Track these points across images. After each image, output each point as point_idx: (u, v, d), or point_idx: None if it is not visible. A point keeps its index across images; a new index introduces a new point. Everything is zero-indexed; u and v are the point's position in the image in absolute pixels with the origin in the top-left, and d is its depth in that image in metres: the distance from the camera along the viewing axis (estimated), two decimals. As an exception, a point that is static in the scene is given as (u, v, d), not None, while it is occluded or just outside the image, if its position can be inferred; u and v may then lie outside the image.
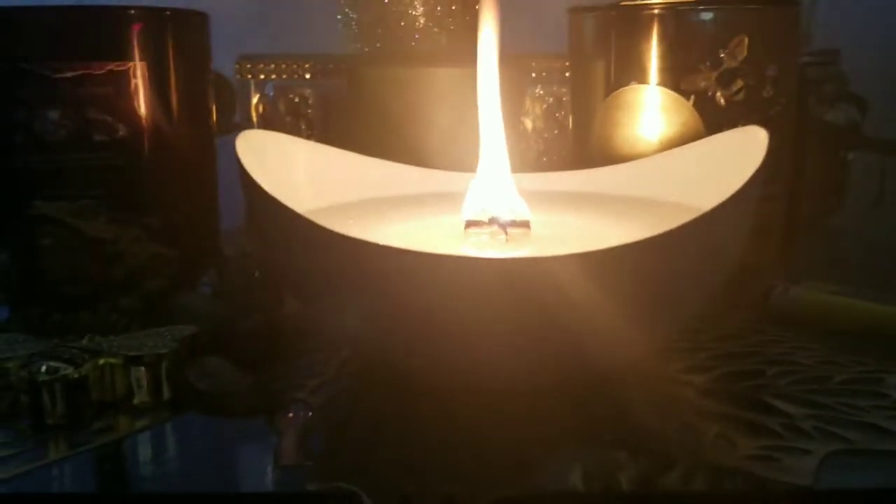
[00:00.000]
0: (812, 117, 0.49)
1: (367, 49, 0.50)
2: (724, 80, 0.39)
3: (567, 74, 0.48)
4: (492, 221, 0.31)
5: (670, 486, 0.24)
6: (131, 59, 0.35)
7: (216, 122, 0.42)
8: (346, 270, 0.26)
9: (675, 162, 0.36)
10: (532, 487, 0.24)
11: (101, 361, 0.27)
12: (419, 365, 0.28)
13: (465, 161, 0.34)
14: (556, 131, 0.52)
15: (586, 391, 0.28)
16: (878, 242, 0.51)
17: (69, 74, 0.34)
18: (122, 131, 0.35)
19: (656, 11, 0.39)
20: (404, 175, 0.37)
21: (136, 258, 0.34)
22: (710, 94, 0.39)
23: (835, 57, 0.53)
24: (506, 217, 0.31)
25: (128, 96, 0.35)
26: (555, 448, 0.26)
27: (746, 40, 0.39)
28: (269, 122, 0.49)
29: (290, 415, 0.27)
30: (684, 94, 0.39)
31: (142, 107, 0.36)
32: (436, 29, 0.50)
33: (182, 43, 0.38)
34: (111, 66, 0.35)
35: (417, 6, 0.49)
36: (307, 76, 0.50)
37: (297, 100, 0.50)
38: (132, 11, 0.36)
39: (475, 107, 0.33)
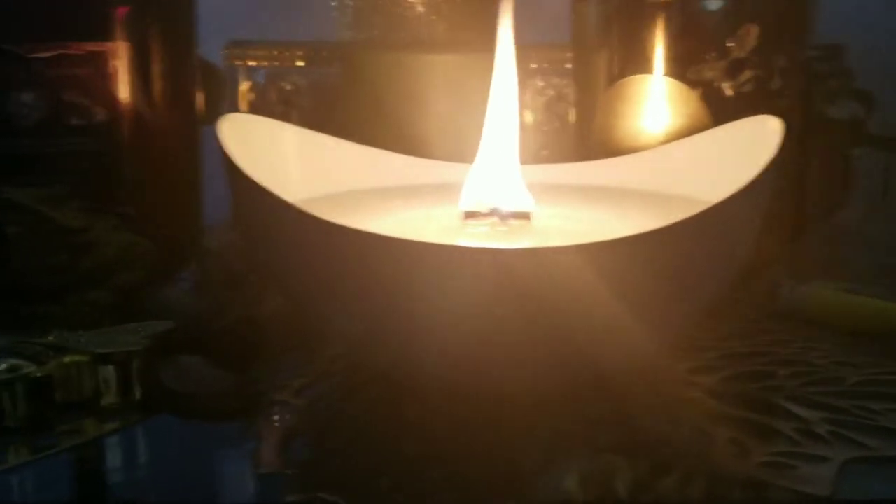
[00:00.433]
0: (816, 112, 0.48)
1: (362, 36, 0.49)
2: (732, 71, 0.38)
3: (568, 66, 0.46)
4: (492, 212, 0.30)
5: (679, 496, 0.23)
6: (111, 39, 0.34)
7: (204, 111, 0.40)
8: (334, 261, 0.25)
9: (682, 153, 0.34)
10: (528, 497, 0.23)
11: (67, 359, 0.26)
12: (410, 363, 0.26)
13: (463, 151, 0.33)
14: (556, 124, 0.50)
15: (589, 392, 0.27)
16: (882, 239, 0.50)
17: (44, 55, 0.33)
18: (99, 115, 0.34)
19: (662, -1, 0.38)
20: (400, 165, 0.36)
21: (108, 248, 0.33)
22: (716, 84, 0.38)
23: (840, 52, 0.52)
24: (506, 208, 0.30)
25: (106, 79, 0.34)
26: (553, 455, 0.25)
27: (755, 30, 0.37)
28: (259, 111, 0.48)
29: (271, 418, 0.26)
30: (690, 84, 0.38)
31: (121, 90, 0.34)
32: (433, 16, 0.48)
33: (166, 24, 0.37)
34: (89, 46, 0.34)
35: (413, -8, 0.48)
36: (299, 63, 0.48)
37: (288, 88, 0.48)
38: (113, -10, 0.34)
39: (474, 95, 0.32)
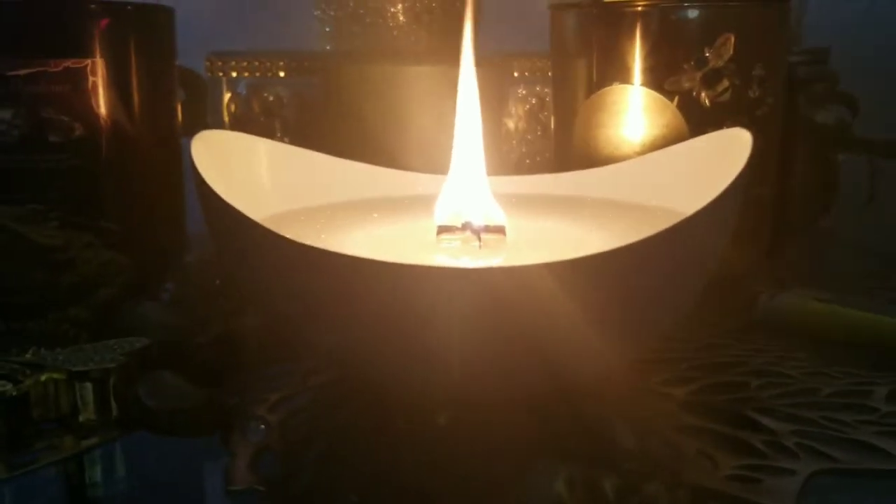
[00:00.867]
0: (801, 117, 0.48)
1: (343, 47, 0.49)
2: (709, 80, 0.38)
3: (550, 74, 0.46)
4: (465, 227, 0.30)
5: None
6: (90, 55, 0.34)
7: (187, 121, 0.40)
8: (306, 281, 0.25)
9: (657, 165, 0.34)
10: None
11: (44, 377, 0.26)
12: (385, 380, 0.26)
13: (444, 163, 0.33)
14: (539, 132, 0.50)
15: (561, 405, 0.27)
16: (867, 245, 0.50)
17: (23, 72, 0.33)
18: (78, 131, 0.34)
19: (639, 8, 0.38)
20: (376, 177, 0.36)
21: (87, 265, 0.33)
22: (694, 94, 0.38)
23: (825, 56, 0.52)
24: (480, 222, 0.30)
25: (86, 95, 0.34)
26: (527, 466, 0.25)
27: (732, 39, 0.37)
28: (241, 122, 0.48)
29: (245, 433, 0.26)
30: (668, 94, 0.38)
31: (100, 106, 0.34)
32: (415, 26, 0.48)
33: (145, 39, 0.36)
34: (68, 62, 0.34)
35: (396, 3, 0.48)
36: (281, 74, 0.48)
37: (271, 98, 0.48)
38: (92, 6, 0.35)
39: (454, 106, 0.32)
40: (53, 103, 0.33)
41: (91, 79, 0.34)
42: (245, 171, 0.32)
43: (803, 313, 0.35)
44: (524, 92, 0.50)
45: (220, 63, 0.48)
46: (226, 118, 0.48)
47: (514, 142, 0.51)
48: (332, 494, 0.23)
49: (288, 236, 0.24)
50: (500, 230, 0.30)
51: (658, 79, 0.38)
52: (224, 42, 0.50)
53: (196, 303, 0.32)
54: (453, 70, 0.33)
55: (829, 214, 0.51)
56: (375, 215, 0.33)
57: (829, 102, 0.50)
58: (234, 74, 0.48)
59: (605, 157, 0.39)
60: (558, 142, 0.42)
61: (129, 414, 0.27)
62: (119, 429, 0.26)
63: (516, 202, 0.33)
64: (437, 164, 0.35)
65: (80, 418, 0.26)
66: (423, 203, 0.33)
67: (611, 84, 0.39)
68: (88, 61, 0.34)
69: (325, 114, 0.47)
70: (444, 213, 0.31)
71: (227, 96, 0.48)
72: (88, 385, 0.26)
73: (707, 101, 0.38)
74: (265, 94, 0.48)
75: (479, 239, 0.29)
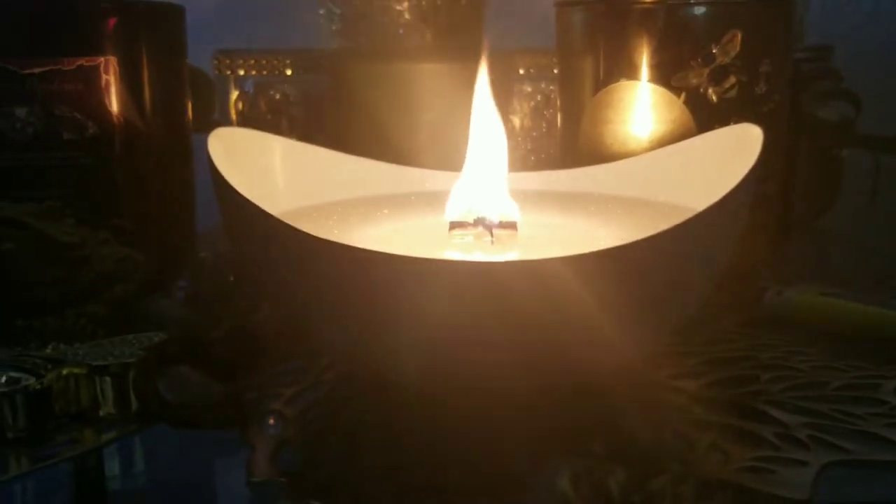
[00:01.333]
0: (805, 114, 0.48)
1: (350, 44, 0.49)
2: (716, 77, 0.38)
3: (555, 71, 0.47)
4: (477, 222, 0.30)
5: (660, 499, 0.23)
6: (102, 53, 0.34)
7: (195, 119, 0.41)
8: (321, 275, 0.25)
9: (666, 160, 0.35)
10: (516, 500, 0.23)
11: (65, 371, 0.26)
12: (400, 373, 0.27)
13: (450, 159, 0.33)
14: (543, 129, 0.51)
15: (575, 399, 0.27)
16: (871, 241, 0.50)
17: (37, 70, 0.33)
18: (92, 129, 0.34)
19: (646, 5, 0.38)
20: (387, 174, 0.36)
21: (104, 262, 0.33)
22: (701, 90, 0.38)
23: (828, 53, 0.52)
24: (492, 217, 0.30)
25: (99, 93, 0.34)
26: (541, 459, 0.25)
27: (739, 36, 0.38)
28: (249, 120, 0.48)
29: (264, 427, 0.26)
30: (675, 90, 0.38)
31: (113, 104, 0.35)
32: (420, 24, 0.48)
33: (156, 37, 0.37)
34: (81, 61, 0.34)
35: (402, 1, 0.48)
36: (288, 72, 0.49)
37: (278, 96, 0.49)
38: (104, 4, 0.35)
39: (461, 103, 0.32)
40: (67, 101, 0.33)
41: (104, 77, 0.34)
42: (259, 167, 0.32)
43: (810, 308, 0.35)
44: (529, 89, 0.51)
45: (227, 61, 0.48)
46: (233, 116, 0.48)
47: (519, 139, 0.51)
48: (350, 486, 0.24)
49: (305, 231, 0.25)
50: (511, 226, 0.30)
51: (665, 75, 0.38)
52: (231, 40, 0.50)
53: (211, 299, 0.33)
54: (459, 67, 0.33)
55: (832, 210, 0.52)
56: (386, 211, 0.34)
57: (833, 99, 0.51)
58: (242, 72, 0.48)
59: (612, 154, 0.39)
60: (565, 138, 0.43)
61: (148, 408, 0.27)
62: (138, 422, 0.27)
63: (524, 198, 0.33)
64: (442, 160, 0.35)
65: (101, 412, 0.27)
66: (433, 199, 0.33)
67: (618, 80, 0.39)
68: (101, 59, 0.34)
69: (332, 111, 0.48)
70: (456, 208, 0.31)
71: (234, 94, 0.48)
72: (108, 379, 0.26)
73: (714, 97, 0.38)
74: (272, 92, 0.48)
75: (492, 234, 0.30)
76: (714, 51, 0.38)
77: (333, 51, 0.49)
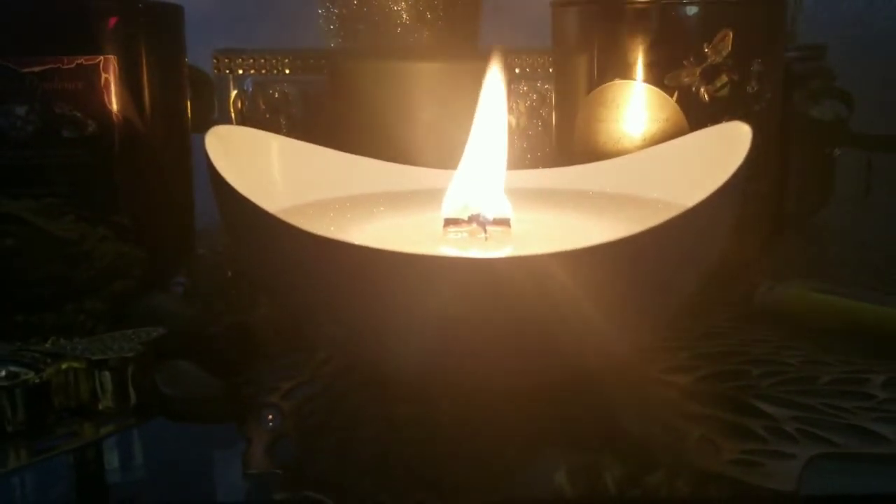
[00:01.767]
0: (798, 113, 0.49)
1: (348, 44, 0.49)
2: (708, 76, 0.38)
3: (551, 70, 0.47)
4: (472, 219, 0.31)
5: (651, 491, 0.24)
6: (102, 52, 0.35)
7: (195, 118, 0.41)
8: (318, 271, 0.25)
9: (658, 158, 0.35)
10: (511, 493, 0.24)
11: (64, 366, 0.26)
12: (395, 368, 0.27)
13: (448, 158, 0.33)
14: (539, 128, 0.51)
15: (567, 393, 0.28)
16: (864, 238, 0.51)
17: (37, 69, 0.33)
18: (91, 127, 0.34)
19: (640, 5, 0.38)
20: (384, 172, 0.36)
21: (103, 258, 0.33)
22: (693, 89, 0.38)
23: (821, 52, 0.53)
24: (486, 215, 0.31)
25: (98, 91, 0.35)
26: (534, 453, 0.26)
27: (731, 35, 0.38)
28: (248, 118, 0.49)
29: (262, 420, 0.27)
30: (668, 89, 0.38)
31: (113, 102, 0.35)
32: (418, 24, 0.49)
33: (155, 36, 0.37)
34: (81, 59, 0.34)
35: (400, 1, 0.49)
36: (287, 71, 0.49)
37: (276, 95, 0.49)
38: (104, 3, 0.35)
39: (458, 102, 0.32)
40: (67, 99, 0.34)
41: (103, 75, 0.35)
42: (256, 165, 0.32)
43: (801, 304, 0.36)
44: (525, 88, 0.51)
45: (226, 61, 0.48)
46: (232, 115, 0.49)
47: (516, 137, 0.51)
48: (347, 479, 0.24)
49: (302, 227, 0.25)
50: (505, 222, 0.31)
51: (658, 74, 0.38)
52: (230, 40, 0.50)
53: (209, 294, 0.33)
54: (456, 66, 0.34)
55: (825, 208, 0.52)
56: (382, 209, 0.34)
57: (825, 98, 0.51)
58: (241, 72, 0.49)
59: (606, 152, 0.39)
60: (560, 137, 0.43)
61: (146, 402, 0.27)
62: (137, 416, 0.27)
63: (520, 196, 0.34)
64: (439, 158, 0.35)
65: (99, 406, 0.27)
66: (429, 197, 0.34)
67: (612, 80, 0.39)
68: (101, 58, 0.35)
69: (330, 110, 0.48)
70: (451, 205, 0.31)
71: (233, 93, 0.49)
72: (107, 373, 0.27)
73: (706, 96, 0.38)
74: (271, 92, 0.49)
75: (486, 231, 0.30)
76: (706, 50, 0.38)
77: (332, 50, 0.50)
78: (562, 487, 0.24)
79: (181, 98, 0.39)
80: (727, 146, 0.30)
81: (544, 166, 0.39)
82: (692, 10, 0.38)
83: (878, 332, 0.33)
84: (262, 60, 0.49)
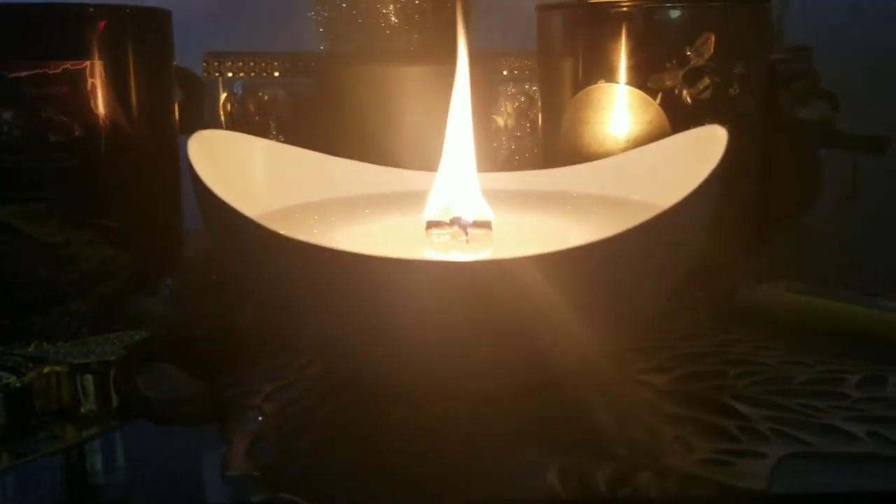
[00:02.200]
0: (784, 114, 0.49)
1: (337, 47, 0.50)
2: (691, 78, 0.39)
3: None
4: (453, 222, 0.31)
5: (623, 491, 0.24)
6: (88, 57, 0.35)
7: (185, 120, 0.41)
8: (299, 276, 0.26)
9: (639, 160, 0.35)
10: (488, 494, 0.24)
11: (46, 370, 0.27)
12: (377, 371, 0.27)
13: (435, 160, 0.34)
14: (527, 129, 0.51)
15: (544, 393, 0.28)
16: (849, 239, 0.51)
17: (24, 73, 0.34)
18: (78, 132, 0.35)
19: (624, 9, 0.39)
20: (369, 174, 0.37)
21: (89, 261, 0.34)
22: (676, 92, 0.39)
23: (807, 54, 0.53)
24: (468, 217, 0.31)
25: (84, 96, 0.35)
26: (511, 453, 0.26)
27: (713, 38, 0.38)
28: (237, 122, 0.49)
29: (241, 422, 0.27)
30: (651, 92, 0.39)
31: (99, 107, 0.35)
32: (407, 27, 0.49)
33: (142, 41, 0.37)
34: (67, 64, 0.35)
35: (389, 4, 0.49)
36: (276, 74, 0.49)
37: (266, 98, 0.49)
38: (90, 9, 0.35)
39: (446, 105, 0.33)
40: (53, 104, 0.34)
41: (90, 80, 0.35)
42: (240, 169, 0.33)
43: (781, 304, 0.36)
44: (513, 90, 0.51)
45: (216, 63, 0.49)
46: (222, 117, 0.49)
47: (504, 138, 0.52)
48: (325, 480, 0.24)
49: (281, 232, 0.25)
50: (486, 225, 0.31)
51: (641, 77, 0.39)
52: (220, 43, 0.51)
53: (194, 297, 0.33)
54: (445, 70, 0.34)
55: (811, 208, 0.52)
56: (367, 211, 0.34)
57: (812, 99, 0.51)
58: (230, 74, 0.49)
59: (591, 154, 0.40)
60: (546, 138, 0.43)
61: (128, 404, 0.27)
62: (119, 419, 0.27)
63: (502, 198, 0.34)
64: (427, 161, 0.36)
65: (82, 409, 0.27)
66: (414, 199, 0.34)
67: (596, 82, 0.40)
68: (87, 63, 0.35)
69: (319, 113, 0.48)
70: (433, 208, 0.32)
71: (223, 96, 0.49)
72: (89, 377, 0.27)
73: (689, 98, 0.39)
74: (260, 94, 0.49)
75: (467, 233, 0.30)
76: (688, 53, 0.38)
77: (321, 53, 0.50)
78: (555, 488, 0.24)
79: (168, 102, 0.39)
80: (705, 149, 0.31)
81: (532, 167, 0.39)
82: (675, 14, 0.39)
83: (853, 332, 0.34)
84: (252, 63, 0.49)
